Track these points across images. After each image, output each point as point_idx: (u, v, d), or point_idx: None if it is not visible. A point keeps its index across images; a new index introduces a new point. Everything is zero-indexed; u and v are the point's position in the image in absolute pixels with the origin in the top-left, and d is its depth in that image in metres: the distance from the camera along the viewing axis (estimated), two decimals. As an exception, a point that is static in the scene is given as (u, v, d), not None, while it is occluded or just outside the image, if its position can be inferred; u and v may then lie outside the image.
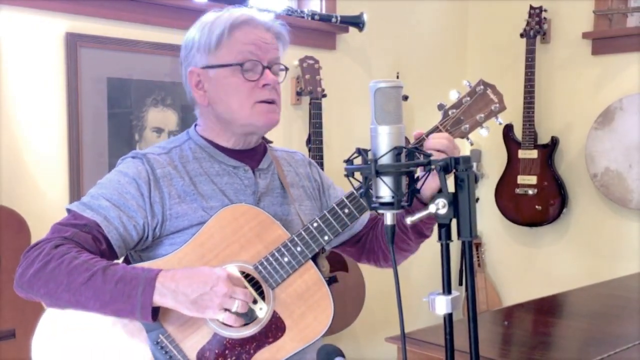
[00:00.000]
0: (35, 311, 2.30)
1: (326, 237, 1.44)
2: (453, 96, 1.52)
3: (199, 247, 1.44)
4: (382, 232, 1.61)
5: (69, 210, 1.46)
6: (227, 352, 1.42)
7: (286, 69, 1.57)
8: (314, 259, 1.48)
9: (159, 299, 1.33)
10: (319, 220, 1.45)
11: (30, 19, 2.40)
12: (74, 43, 2.47)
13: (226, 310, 1.35)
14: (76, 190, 2.51)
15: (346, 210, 1.45)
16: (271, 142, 1.75)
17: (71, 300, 1.34)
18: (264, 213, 1.46)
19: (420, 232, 1.54)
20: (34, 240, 2.28)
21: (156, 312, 1.37)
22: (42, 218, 2.42)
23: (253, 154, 1.59)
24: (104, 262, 1.36)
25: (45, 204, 2.46)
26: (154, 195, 1.46)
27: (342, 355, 1.19)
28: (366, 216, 1.71)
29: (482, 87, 1.52)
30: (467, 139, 1.55)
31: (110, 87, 2.59)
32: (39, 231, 2.33)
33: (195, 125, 1.61)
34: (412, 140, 1.46)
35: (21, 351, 2.26)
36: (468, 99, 1.51)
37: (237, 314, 1.36)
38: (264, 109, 1.50)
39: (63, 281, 1.33)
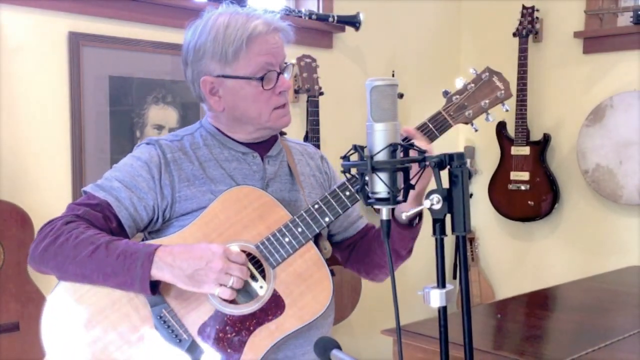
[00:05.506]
0: (38, 304, 2.33)
1: (327, 219, 1.46)
2: (459, 84, 1.53)
3: (203, 227, 1.47)
4: (371, 246, 1.63)
5: (85, 192, 1.51)
6: (227, 328, 1.44)
7: (292, 65, 1.58)
8: (316, 240, 1.50)
9: (156, 273, 1.37)
10: (320, 202, 1.47)
11: (34, 18, 2.42)
12: (77, 42, 2.49)
13: (222, 285, 1.37)
14: (78, 186, 2.52)
15: (347, 193, 1.47)
16: (285, 133, 1.79)
17: (77, 273, 1.39)
18: (267, 195, 1.49)
19: (394, 250, 1.54)
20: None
21: (155, 286, 1.40)
22: (45, 213, 2.42)
23: (263, 142, 1.61)
24: (108, 237, 1.41)
25: (48, 200, 2.47)
26: (164, 178, 1.50)
27: (339, 347, 1.21)
28: (362, 223, 1.72)
29: (487, 74, 1.53)
30: (472, 124, 1.55)
31: (112, 85, 2.61)
32: (43, 226, 2.37)
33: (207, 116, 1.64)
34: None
35: (25, 344, 2.27)
36: (472, 85, 1.52)
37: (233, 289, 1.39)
38: (280, 114, 1.53)
39: (70, 254, 1.38)
